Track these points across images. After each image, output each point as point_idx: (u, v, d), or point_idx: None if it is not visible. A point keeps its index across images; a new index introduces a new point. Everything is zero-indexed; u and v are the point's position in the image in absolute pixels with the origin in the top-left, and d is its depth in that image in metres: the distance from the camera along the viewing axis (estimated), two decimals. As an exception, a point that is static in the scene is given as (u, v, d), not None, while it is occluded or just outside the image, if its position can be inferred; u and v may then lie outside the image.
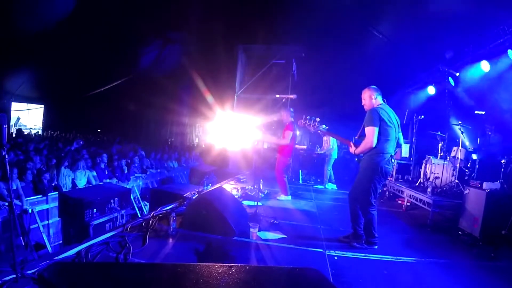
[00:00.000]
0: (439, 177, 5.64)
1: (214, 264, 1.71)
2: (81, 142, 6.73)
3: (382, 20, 7.42)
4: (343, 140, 3.71)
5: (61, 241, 4.84)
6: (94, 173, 6.90)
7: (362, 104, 3.48)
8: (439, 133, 6.42)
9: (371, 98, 3.38)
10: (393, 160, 3.31)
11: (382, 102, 3.40)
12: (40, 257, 3.38)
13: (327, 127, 3.95)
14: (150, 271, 1.80)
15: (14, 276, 1.86)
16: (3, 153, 1.97)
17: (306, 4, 7.62)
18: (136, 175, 8.07)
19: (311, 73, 9.34)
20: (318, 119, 3.76)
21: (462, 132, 5.69)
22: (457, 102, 7.00)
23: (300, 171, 8.47)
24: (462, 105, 6.92)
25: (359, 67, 8.31)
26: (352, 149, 3.48)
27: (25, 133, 14.64)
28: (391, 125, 3.24)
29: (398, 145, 3.46)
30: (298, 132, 9.55)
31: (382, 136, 3.20)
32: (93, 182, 6.63)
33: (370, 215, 3.27)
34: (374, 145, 3.19)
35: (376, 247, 3.27)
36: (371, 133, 3.18)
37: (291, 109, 5.40)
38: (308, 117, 3.78)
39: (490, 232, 3.59)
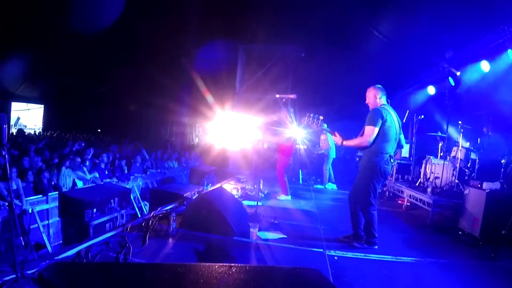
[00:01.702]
0: (439, 177, 5.65)
1: (214, 264, 1.70)
2: (82, 144, 6.72)
3: (382, 20, 7.42)
4: (330, 132, 3.69)
5: (61, 241, 4.83)
6: (97, 174, 6.90)
7: (366, 102, 3.48)
8: (439, 133, 6.42)
9: (375, 98, 3.38)
10: (392, 160, 3.30)
11: (385, 102, 3.40)
12: (40, 257, 3.38)
13: (325, 125, 3.95)
14: (150, 271, 1.80)
15: (14, 276, 1.86)
16: (3, 153, 1.98)
17: (306, 4, 7.62)
18: (136, 175, 8.08)
19: (311, 73, 9.34)
20: (321, 117, 3.77)
21: (461, 132, 5.69)
22: (457, 102, 7.00)
23: (300, 171, 8.47)
24: (462, 105, 6.92)
25: (359, 67, 8.31)
26: (338, 139, 3.48)
27: (26, 133, 14.63)
28: (392, 126, 3.24)
29: (400, 146, 3.46)
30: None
31: (383, 136, 3.20)
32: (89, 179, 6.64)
33: (370, 215, 3.26)
34: (369, 145, 3.19)
35: (376, 247, 3.27)
36: (370, 132, 3.18)
37: (291, 110, 5.39)
38: (311, 115, 3.78)
39: (490, 232, 3.58)
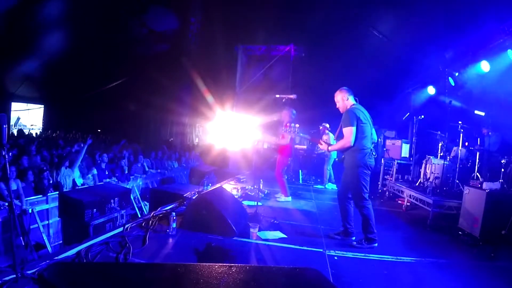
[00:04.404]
0: (439, 177, 5.64)
1: (214, 264, 1.70)
2: (82, 145, 6.74)
3: (382, 20, 7.42)
4: (314, 140, 3.89)
5: (61, 241, 4.84)
6: (95, 171, 6.91)
7: (337, 107, 3.62)
8: (439, 133, 6.41)
9: (343, 100, 3.53)
10: (374, 154, 3.43)
11: (354, 102, 3.53)
12: (40, 257, 3.39)
13: (301, 133, 4.21)
14: (150, 271, 1.80)
15: (14, 276, 1.86)
16: (3, 153, 1.98)
17: (306, 4, 7.63)
18: (136, 175, 8.08)
19: (311, 73, 9.35)
20: (297, 125, 4.04)
21: (461, 132, 5.69)
22: (457, 102, 6.99)
23: (300, 171, 8.46)
24: (462, 105, 6.91)
25: (359, 67, 8.31)
26: (324, 146, 3.65)
27: (26, 133, 14.63)
28: (366, 122, 3.38)
29: (373, 141, 3.55)
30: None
31: (360, 134, 3.33)
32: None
33: (366, 210, 3.30)
34: (352, 144, 3.31)
35: (376, 244, 3.28)
36: (349, 133, 3.31)
37: (293, 111, 5.38)
38: (292, 125, 4.07)
39: (490, 232, 3.59)
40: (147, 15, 10.76)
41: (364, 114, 3.41)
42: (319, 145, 3.73)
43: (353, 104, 3.49)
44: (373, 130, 3.53)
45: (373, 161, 3.41)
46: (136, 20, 10.80)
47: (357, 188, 3.33)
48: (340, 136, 3.50)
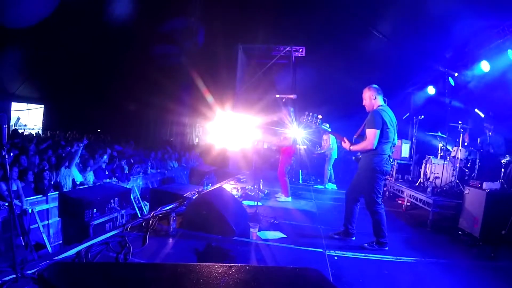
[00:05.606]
0: (439, 177, 5.64)
1: (214, 264, 1.70)
2: (81, 144, 6.74)
3: (382, 20, 7.43)
4: (338, 136, 3.72)
5: (61, 241, 4.84)
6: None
7: (363, 104, 3.48)
8: (439, 133, 6.41)
9: (371, 99, 3.38)
10: (391, 160, 3.35)
11: (382, 103, 3.39)
12: (40, 257, 3.39)
13: (327, 125, 3.97)
14: (150, 271, 1.79)
15: (14, 276, 1.86)
16: (3, 153, 1.98)
17: (307, 4, 7.63)
18: (135, 176, 8.08)
19: (311, 72, 9.35)
20: (320, 116, 3.81)
21: (461, 132, 5.69)
22: (457, 102, 7.00)
23: (300, 171, 8.47)
24: (462, 105, 6.91)
25: (359, 67, 8.32)
26: (346, 145, 3.50)
27: (26, 134, 14.62)
28: (391, 127, 3.27)
29: (392, 144, 3.49)
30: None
31: (382, 138, 3.23)
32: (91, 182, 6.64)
33: (379, 215, 3.27)
34: (374, 147, 3.21)
35: (387, 248, 3.25)
36: (373, 135, 3.20)
37: (291, 109, 5.38)
38: (310, 114, 3.82)
39: (490, 232, 3.58)
40: (147, 15, 10.76)
41: (390, 118, 3.28)
42: (342, 143, 3.55)
43: (381, 105, 3.35)
44: (396, 135, 3.44)
45: (389, 167, 3.32)
46: (136, 20, 10.80)
47: (370, 193, 3.28)
48: (361, 135, 3.38)
